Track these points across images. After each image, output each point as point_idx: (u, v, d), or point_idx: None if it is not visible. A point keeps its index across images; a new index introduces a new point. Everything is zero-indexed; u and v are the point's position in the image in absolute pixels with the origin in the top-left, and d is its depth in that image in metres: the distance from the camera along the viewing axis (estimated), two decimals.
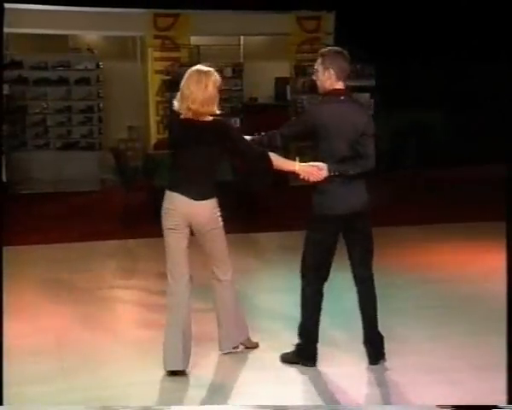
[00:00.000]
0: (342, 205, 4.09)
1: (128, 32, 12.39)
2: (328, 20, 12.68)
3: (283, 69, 12.87)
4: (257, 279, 6.39)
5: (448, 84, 13.51)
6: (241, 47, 13.09)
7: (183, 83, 4.12)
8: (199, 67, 4.17)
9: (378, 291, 4.31)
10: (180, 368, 4.12)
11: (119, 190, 9.42)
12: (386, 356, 4.28)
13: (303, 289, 4.22)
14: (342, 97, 4.14)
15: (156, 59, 12.24)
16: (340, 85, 4.14)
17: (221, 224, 4.22)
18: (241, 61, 12.84)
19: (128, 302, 5.90)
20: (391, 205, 9.25)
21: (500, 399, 3.62)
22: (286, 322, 4.84)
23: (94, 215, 9.57)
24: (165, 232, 4.15)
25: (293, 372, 4.20)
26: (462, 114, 13.55)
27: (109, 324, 5.21)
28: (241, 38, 13.04)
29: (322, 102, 4.22)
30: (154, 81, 12.33)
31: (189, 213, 4.10)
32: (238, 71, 12.55)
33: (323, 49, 4.20)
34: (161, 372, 4.15)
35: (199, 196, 4.10)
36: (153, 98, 12.37)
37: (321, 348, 4.28)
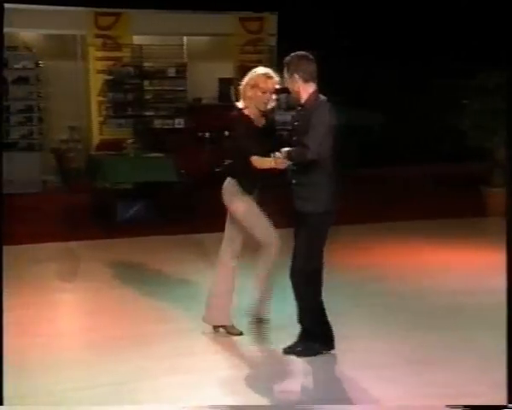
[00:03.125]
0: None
1: (68, 30, 12.16)
2: (271, 22, 12.76)
3: (227, 70, 12.86)
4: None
5: (385, 85, 13.70)
6: (185, 47, 13.02)
7: None
8: None
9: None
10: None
11: (60, 191, 9.25)
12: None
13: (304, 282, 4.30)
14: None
15: (98, 58, 12.08)
16: (312, 87, 4.30)
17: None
18: (185, 61, 12.77)
19: (72, 305, 5.81)
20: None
21: (433, 391, 3.75)
22: None
23: (35, 218, 9.37)
24: None
25: None
26: (396, 117, 13.69)
27: (55, 328, 5.11)
28: (185, 38, 12.98)
29: (326, 107, 4.28)
30: (96, 81, 12.16)
31: None
32: (182, 71, 12.51)
33: (287, 58, 4.34)
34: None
35: None
36: (95, 98, 12.20)
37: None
